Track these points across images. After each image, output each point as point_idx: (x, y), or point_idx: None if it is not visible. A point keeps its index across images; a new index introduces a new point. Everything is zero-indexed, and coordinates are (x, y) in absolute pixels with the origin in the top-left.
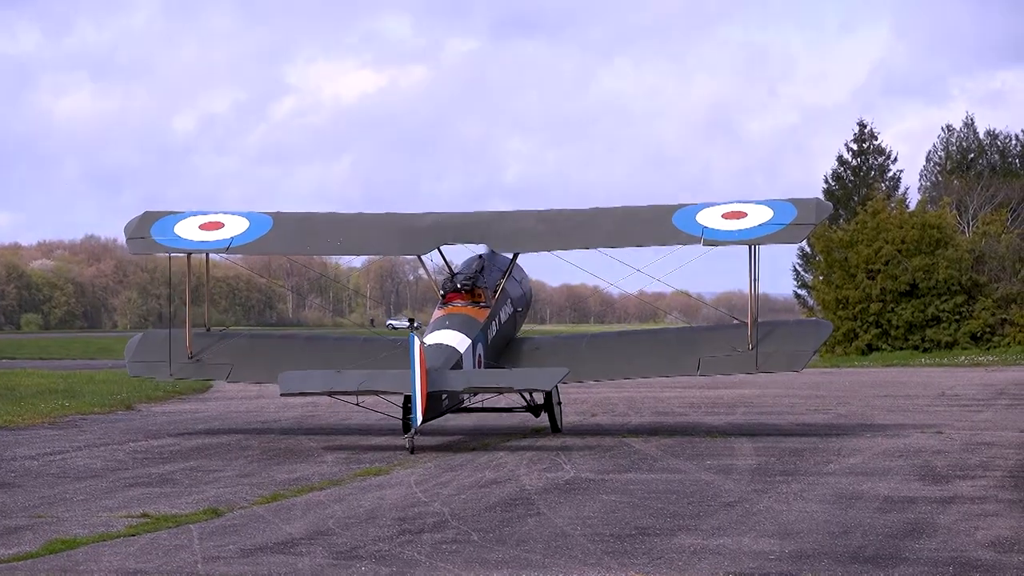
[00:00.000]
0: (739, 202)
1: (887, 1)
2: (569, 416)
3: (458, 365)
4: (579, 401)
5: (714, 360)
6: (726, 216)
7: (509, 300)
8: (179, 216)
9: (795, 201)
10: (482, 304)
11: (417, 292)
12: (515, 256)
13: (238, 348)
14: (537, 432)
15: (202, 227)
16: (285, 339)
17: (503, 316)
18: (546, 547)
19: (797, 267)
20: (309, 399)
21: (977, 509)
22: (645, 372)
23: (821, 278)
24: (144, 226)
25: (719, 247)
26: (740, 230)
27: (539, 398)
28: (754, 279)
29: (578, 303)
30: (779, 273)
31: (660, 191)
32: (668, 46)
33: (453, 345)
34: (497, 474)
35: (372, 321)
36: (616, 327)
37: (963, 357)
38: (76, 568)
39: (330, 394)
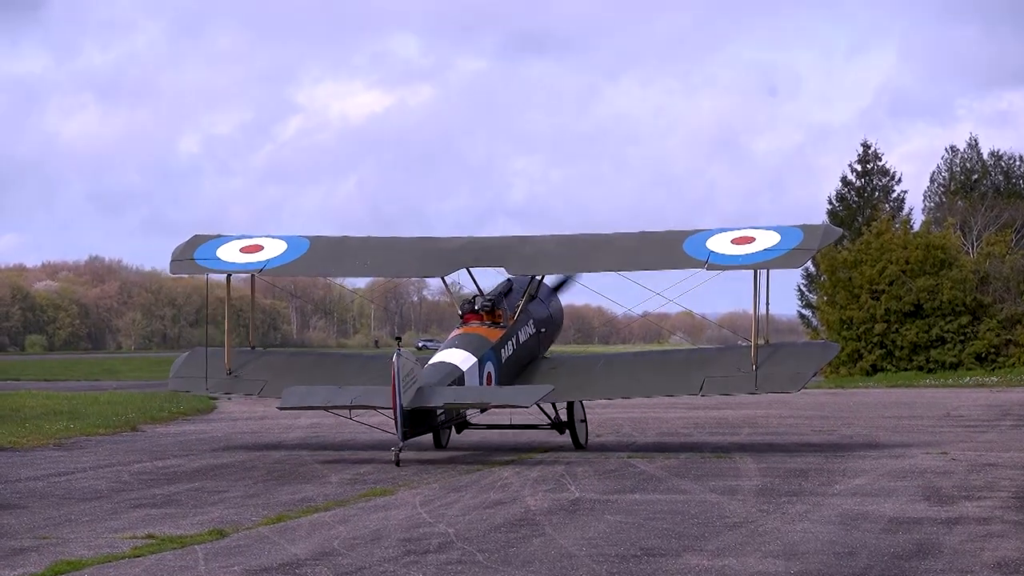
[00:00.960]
0: (750, 228)
1: (896, 23)
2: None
3: (459, 382)
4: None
5: (717, 380)
6: (735, 241)
7: (531, 321)
8: (224, 239)
9: (804, 227)
10: (500, 324)
11: (421, 313)
12: (538, 278)
13: (274, 365)
14: (545, 451)
15: (242, 250)
16: (321, 357)
17: (522, 336)
18: (551, 568)
19: (802, 287)
20: (313, 420)
21: (983, 530)
22: (651, 391)
23: (825, 299)
24: (189, 249)
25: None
26: (744, 255)
27: (562, 415)
28: (757, 302)
29: (583, 324)
30: (784, 293)
31: (665, 210)
32: (675, 65)
33: (455, 363)
34: (502, 495)
35: (376, 342)
36: (618, 348)
37: (968, 378)
38: None
39: (326, 408)
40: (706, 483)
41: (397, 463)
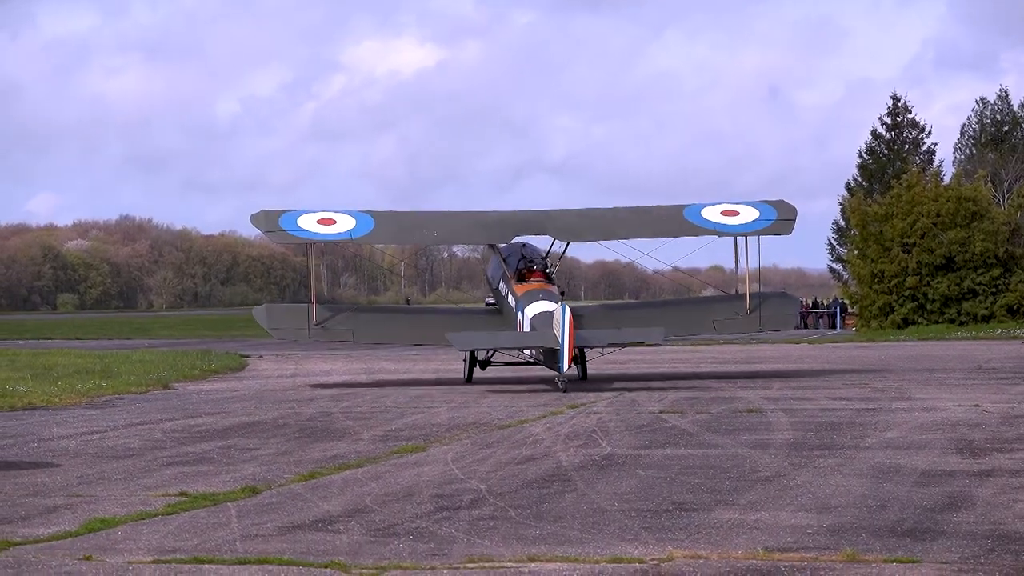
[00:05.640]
0: (729, 203)
1: None
2: (604, 391)
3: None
4: (616, 376)
5: (726, 322)
6: (724, 213)
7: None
8: (296, 213)
9: (769, 202)
10: (551, 280)
11: (452, 269)
12: (567, 245)
13: (354, 318)
14: (572, 408)
15: (319, 222)
16: (390, 310)
17: (557, 291)
18: (583, 523)
19: (832, 241)
20: (346, 377)
21: (1015, 482)
22: (678, 331)
23: (856, 252)
24: (273, 221)
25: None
26: (743, 224)
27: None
28: (747, 261)
29: (614, 280)
30: (814, 247)
31: (705, 166)
32: (723, 19)
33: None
34: (533, 451)
35: (408, 300)
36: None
37: (1000, 330)
38: (115, 547)
39: (496, 349)
40: (738, 437)
41: (564, 390)
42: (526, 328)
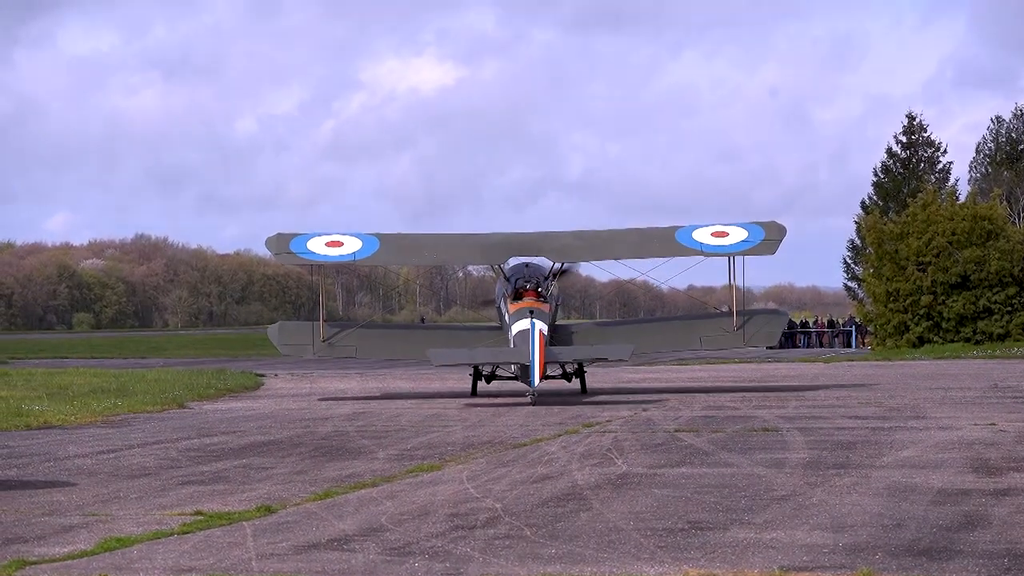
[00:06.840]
0: (721, 224)
1: None
2: (619, 410)
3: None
4: (630, 392)
5: (712, 338)
6: (714, 235)
7: (554, 297)
8: (306, 236)
9: (760, 223)
10: (545, 300)
11: (467, 287)
12: (563, 265)
13: (359, 335)
14: (587, 427)
15: (327, 244)
16: (394, 328)
17: (553, 308)
18: (599, 542)
19: (847, 259)
20: (360, 396)
21: None
22: (664, 347)
23: (872, 271)
24: (284, 243)
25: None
26: (730, 244)
27: (570, 367)
28: (734, 280)
29: (629, 298)
30: (830, 266)
31: (722, 183)
32: (742, 36)
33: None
34: (549, 469)
35: (423, 319)
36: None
37: (1016, 348)
38: (130, 566)
39: (472, 364)
40: (753, 456)
41: (533, 403)
42: (512, 345)
